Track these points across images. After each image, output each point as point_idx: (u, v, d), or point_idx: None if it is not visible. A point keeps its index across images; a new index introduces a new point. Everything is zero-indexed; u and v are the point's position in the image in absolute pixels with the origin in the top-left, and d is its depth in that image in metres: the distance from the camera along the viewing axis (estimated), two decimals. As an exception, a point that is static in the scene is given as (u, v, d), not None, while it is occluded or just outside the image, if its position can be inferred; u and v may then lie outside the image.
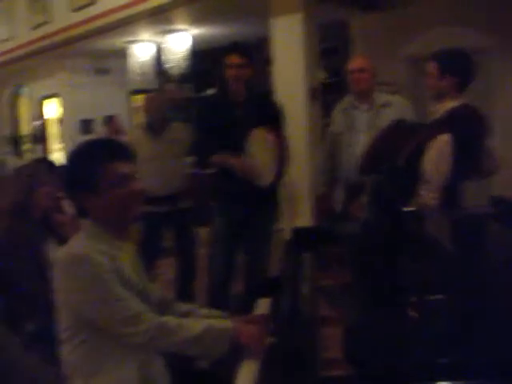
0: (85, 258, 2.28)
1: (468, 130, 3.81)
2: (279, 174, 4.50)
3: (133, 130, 7.46)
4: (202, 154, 4.76)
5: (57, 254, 2.39)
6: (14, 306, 3.68)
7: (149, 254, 4.76)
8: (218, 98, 5.07)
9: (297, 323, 1.95)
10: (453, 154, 3.66)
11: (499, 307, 1.91)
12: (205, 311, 2.72)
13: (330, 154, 5.10)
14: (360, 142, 4.73)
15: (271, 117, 4.64)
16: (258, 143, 4.45)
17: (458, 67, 3.93)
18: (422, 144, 3.77)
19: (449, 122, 3.79)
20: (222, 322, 2.39)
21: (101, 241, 2.38)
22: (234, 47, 4.78)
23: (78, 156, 2.46)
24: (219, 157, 4.57)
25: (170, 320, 2.35)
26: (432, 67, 3.97)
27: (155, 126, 5.58)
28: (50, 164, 4.52)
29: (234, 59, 4.61)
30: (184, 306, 2.75)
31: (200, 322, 2.36)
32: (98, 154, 2.41)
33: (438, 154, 3.69)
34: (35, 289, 3.68)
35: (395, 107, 4.71)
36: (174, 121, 5.90)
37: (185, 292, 5.50)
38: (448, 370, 1.53)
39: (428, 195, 3.68)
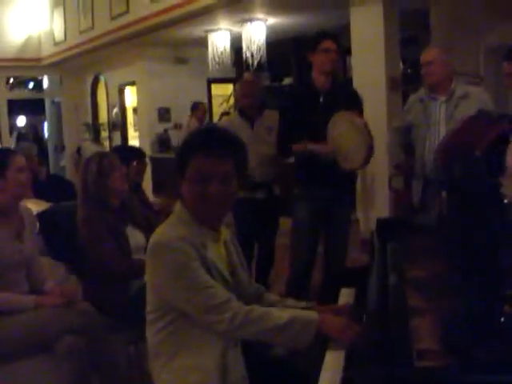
0: (172, 246, 2.32)
1: None
2: (368, 157, 4.44)
3: (228, 117, 7.41)
4: (283, 143, 4.76)
5: (150, 238, 2.44)
6: (100, 290, 3.79)
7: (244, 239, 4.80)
8: (304, 87, 5.04)
9: (386, 314, 1.95)
10: None
11: None
12: (292, 302, 2.74)
13: (402, 145, 5.05)
14: (437, 135, 4.68)
15: (354, 105, 4.63)
16: (344, 124, 4.42)
17: None
18: (505, 134, 3.72)
19: None
20: (308, 313, 2.38)
21: (189, 227, 2.41)
22: (325, 33, 4.80)
23: (184, 140, 2.53)
24: (299, 145, 4.57)
25: (256, 308, 2.35)
26: (507, 67, 4.00)
27: (250, 113, 5.53)
28: (131, 150, 4.63)
29: (328, 44, 4.63)
30: (272, 296, 2.78)
31: (286, 312, 2.35)
32: (193, 142, 2.46)
33: None
34: (120, 272, 3.78)
35: (474, 99, 4.64)
36: (268, 108, 5.85)
37: (262, 280, 5.52)
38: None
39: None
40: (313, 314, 2.36)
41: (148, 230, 3.85)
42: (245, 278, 2.68)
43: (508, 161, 3.62)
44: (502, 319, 1.75)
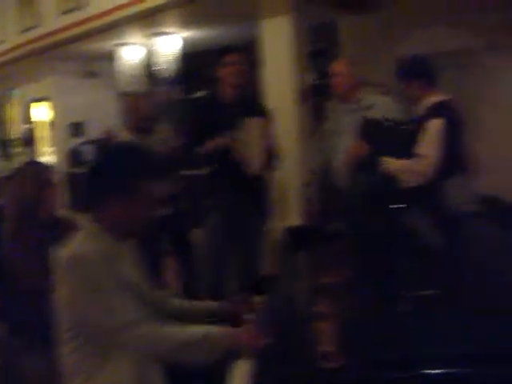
0: (85, 261, 2.31)
1: (454, 119, 4.27)
2: (274, 160, 4.57)
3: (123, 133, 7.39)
4: (190, 152, 4.78)
5: (58, 254, 2.42)
6: (20, 309, 3.71)
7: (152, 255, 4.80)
8: (210, 99, 5.11)
9: (292, 320, 2.01)
10: (445, 137, 4.12)
11: (485, 300, 1.98)
12: (198, 303, 2.78)
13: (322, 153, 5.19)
14: (343, 145, 4.81)
15: (258, 115, 4.73)
16: (252, 131, 4.53)
17: (421, 70, 4.46)
18: (415, 132, 4.22)
19: (438, 111, 4.25)
20: (217, 330, 2.40)
21: (102, 241, 2.42)
22: (231, 47, 4.88)
23: (118, 160, 2.51)
24: (211, 141, 4.62)
25: (165, 327, 2.35)
26: (400, 79, 4.31)
27: (138, 128, 5.47)
28: (42, 166, 4.56)
29: (232, 58, 4.70)
30: (183, 302, 2.81)
31: (197, 328, 2.37)
32: (141, 166, 2.48)
33: (432, 134, 4.14)
34: (43, 291, 3.72)
35: (379, 108, 4.78)
36: (161, 123, 5.86)
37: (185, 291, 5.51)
38: (440, 360, 1.59)
39: (424, 168, 4.11)
40: (223, 331, 2.38)
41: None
42: (154, 288, 2.70)
43: (421, 147, 3.95)
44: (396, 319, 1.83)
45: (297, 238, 3.07)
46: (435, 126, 4.17)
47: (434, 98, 4.37)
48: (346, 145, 4.75)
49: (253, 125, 4.57)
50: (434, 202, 4.07)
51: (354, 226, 3.76)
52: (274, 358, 1.95)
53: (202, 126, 4.69)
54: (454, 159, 4.17)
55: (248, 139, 4.54)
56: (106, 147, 2.54)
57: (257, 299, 2.91)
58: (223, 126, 4.62)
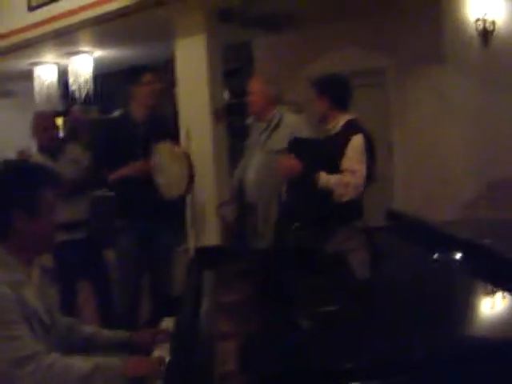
0: None
1: (367, 135, 4.43)
2: (190, 184, 4.56)
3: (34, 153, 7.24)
4: (101, 172, 4.73)
5: None
6: None
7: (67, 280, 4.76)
8: (121, 119, 5.08)
9: (195, 340, 2.00)
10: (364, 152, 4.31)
11: (391, 313, 2.01)
12: (108, 332, 2.75)
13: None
14: (253, 162, 4.86)
15: (170, 134, 4.74)
16: (165, 156, 4.52)
17: (333, 89, 4.54)
18: (337, 150, 4.33)
19: (353, 128, 4.41)
20: (111, 360, 2.36)
21: (7, 267, 2.37)
22: (145, 67, 4.87)
23: (16, 176, 2.46)
24: (116, 173, 4.59)
25: (59, 360, 2.27)
26: (312, 95, 4.41)
27: (47, 148, 5.38)
28: None
29: (150, 77, 4.69)
30: (89, 328, 2.77)
31: (89, 361, 2.31)
32: (38, 178, 2.44)
33: (356, 149, 4.29)
34: None
35: (288, 127, 4.82)
36: (70, 143, 5.77)
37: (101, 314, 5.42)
38: (343, 375, 1.62)
39: (356, 181, 4.27)
40: (116, 360, 2.34)
41: None
42: (58, 313, 2.66)
43: (347, 163, 4.06)
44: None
45: (205, 257, 3.07)
46: (357, 141, 4.29)
47: (345, 116, 4.48)
48: (258, 162, 4.79)
49: (165, 148, 4.56)
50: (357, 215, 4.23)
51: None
52: (177, 380, 1.94)
53: (114, 147, 4.65)
54: (369, 173, 4.31)
55: (161, 163, 4.52)
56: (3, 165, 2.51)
57: (168, 321, 2.89)
58: (135, 146, 4.59)
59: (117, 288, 4.88)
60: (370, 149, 4.38)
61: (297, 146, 4.46)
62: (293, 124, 4.82)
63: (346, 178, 4.24)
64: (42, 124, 5.41)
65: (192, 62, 7.10)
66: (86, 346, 2.70)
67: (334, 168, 4.28)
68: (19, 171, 2.51)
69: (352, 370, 1.64)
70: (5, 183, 2.46)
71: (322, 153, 4.41)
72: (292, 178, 4.42)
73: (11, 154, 11.59)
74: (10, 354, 2.20)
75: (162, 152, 4.53)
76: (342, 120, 4.47)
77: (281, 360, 1.71)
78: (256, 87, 4.93)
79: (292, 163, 4.37)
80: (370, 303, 2.20)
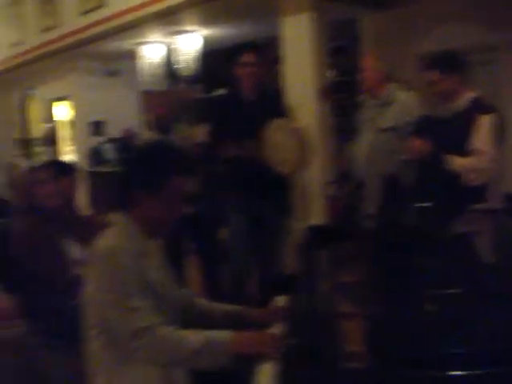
0: (111, 257, 2.32)
1: (497, 114, 4.14)
2: (303, 160, 4.48)
3: (144, 131, 7.38)
4: (214, 150, 4.73)
5: (92, 247, 2.42)
6: (34, 304, 3.72)
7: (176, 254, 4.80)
8: (230, 98, 5.06)
9: (315, 320, 1.98)
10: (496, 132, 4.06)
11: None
12: (224, 307, 2.75)
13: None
14: (363, 140, 4.79)
15: (281, 112, 4.67)
16: (278, 132, 4.45)
17: (456, 65, 4.27)
18: (463, 129, 4.08)
19: (481, 107, 4.13)
20: (221, 334, 2.34)
21: (131, 238, 2.42)
22: (245, 46, 4.80)
23: (148, 156, 2.51)
24: (233, 149, 4.57)
25: (172, 333, 2.31)
26: (432, 74, 4.16)
27: (159, 126, 5.54)
28: (62, 165, 4.57)
29: (247, 58, 4.63)
30: (205, 303, 2.79)
31: (200, 335, 2.31)
32: (170, 163, 2.47)
33: (487, 129, 4.04)
34: (56, 286, 3.73)
35: (399, 104, 4.73)
36: (181, 121, 5.87)
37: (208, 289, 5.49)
38: (464, 359, 1.57)
39: (487, 165, 4.02)
40: (227, 335, 2.32)
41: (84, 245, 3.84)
42: (177, 287, 2.69)
43: (476, 145, 3.87)
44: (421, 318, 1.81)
45: (318, 236, 3.04)
46: (487, 120, 4.05)
47: (469, 94, 4.22)
48: (369, 139, 4.73)
49: (278, 125, 4.49)
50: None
51: (382, 222, 3.74)
52: (298, 359, 1.92)
53: (225, 125, 4.65)
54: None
55: (274, 140, 4.46)
56: (136, 145, 2.55)
57: (280, 300, 2.88)
58: (246, 124, 4.56)
59: (227, 266, 4.90)
60: (500, 129, 4.11)
61: (421, 124, 4.31)
62: (405, 102, 4.72)
63: (477, 162, 4.01)
64: (153, 102, 5.55)
65: (297, 39, 7.04)
66: (200, 320, 2.72)
67: (460, 148, 4.10)
68: (149, 152, 2.55)
69: (477, 354, 1.59)
70: (136, 164, 2.51)
71: (448, 132, 4.17)
72: (420, 158, 4.24)
73: (117, 132, 11.97)
74: (128, 325, 2.26)
75: (275, 129, 4.47)
76: (466, 97, 4.21)
77: (405, 343, 1.68)
78: (369, 64, 4.85)
79: (421, 144, 4.20)
80: (492, 286, 2.13)
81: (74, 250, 3.94)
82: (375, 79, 4.80)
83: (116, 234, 2.43)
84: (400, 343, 1.67)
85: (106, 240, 2.42)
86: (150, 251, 2.51)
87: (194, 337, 2.30)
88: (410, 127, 4.37)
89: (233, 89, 4.96)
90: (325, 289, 2.28)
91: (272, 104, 4.72)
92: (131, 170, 2.51)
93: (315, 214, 6.73)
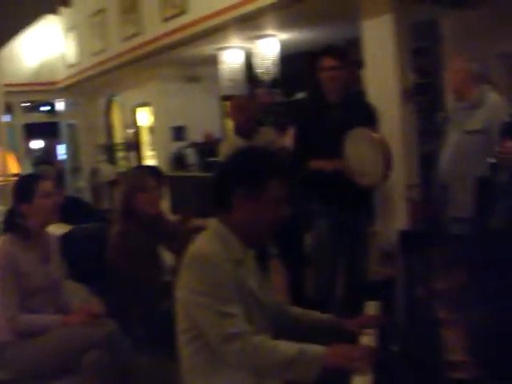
0: (211, 260, 2.34)
1: None
2: (387, 172, 4.38)
3: (229, 135, 7.44)
4: (298, 159, 4.70)
5: (187, 251, 2.44)
6: (126, 308, 3.79)
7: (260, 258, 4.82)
8: (314, 102, 5.02)
9: (417, 327, 1.95)
10: None
11: None
12: (316, 316, 2.74)
13: None
14: (448, 142, 4.70)
15: (368, 118, 4.60)
16: (361, 142, 4.37)
17: None
18: None
19: None
20: (315, 348, 2.30)
21: (228, 243, 2.43)
22: (327, 50, 4.75)
23: (248, 160, 2.51)
24: (316, 163, 4.53)
25: (265, 342, 2.30)
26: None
27: (243, 130, 5.60)
28: (154, 171, 4.63)
29: (328, 61, 4.59)
30: (296, 309, 2.78)
31: (294, 346, 2.29)
32: (270, 166, 2.47)
33: None
34: (151, 290, 3.79)
35: (489, 106, 4.62)
36: (263, 125, 5.91)
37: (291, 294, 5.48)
38: None
39: None
40: (320, 349, 2.29)
41: (179, 252, 3.90)
42: (271, 294, 2.69)
43: None
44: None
45: (410, 241, 3.00)
46: None
47: None
48: (455, 141, 4.64)
49: (361, 134, 4.39)
50: None
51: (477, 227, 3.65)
52: (398, 367, 1.89)
53: (308, 130, 4.62)
54: None
55: (356, 150, 4.38)
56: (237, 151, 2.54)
57: (371, 306, 2.86)
58: (330, 130, 4.51)
59: (313, 271, 4.88)
60: None
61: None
62: (495, 104, 4.61)
63: None
64: (238, 107, 5.59)
65: (379, 42, 6.97)
66: (292, 327, 2.71)
67: None
68: (248, 157, 2.54)
69: None
70: (234, 168, 2.51)
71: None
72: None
73: (198, 137, 12.12)
74: (220, 329, 2.28)
75: (358, 137, 4.39)
76: None
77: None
78: (458, 65, 4.75)
79: None
80: None
81: (166, 257, 4.00)
82: (463, 81, 4.70)
83: (213, 240, 2.44)
84: (502, 351, 1.63)
85: (204, 245, 2.43)
86: (247, 259, 2.51)
87: (287, 347, 2.30)
88: (502, 129, 4.25)
89: (315, 93, 4.93)
90: (422, 295, 2.24)
91: (357, 109, 4.65)
92: (230, 174, 2.50)
93: (398, 217, 6.65)
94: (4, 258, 3.46)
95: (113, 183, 14.60)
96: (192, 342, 2.40)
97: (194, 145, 12.23)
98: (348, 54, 4.99)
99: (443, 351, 1.79)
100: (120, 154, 15.22)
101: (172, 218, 4.79)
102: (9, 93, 13.56)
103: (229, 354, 2.29)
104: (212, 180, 2.53)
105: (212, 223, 2.51)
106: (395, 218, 6.82)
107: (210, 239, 2.45)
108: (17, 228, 3.54)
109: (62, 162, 19.42)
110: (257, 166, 2.46)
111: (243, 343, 2.26)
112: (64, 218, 5.62)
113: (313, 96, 5.12)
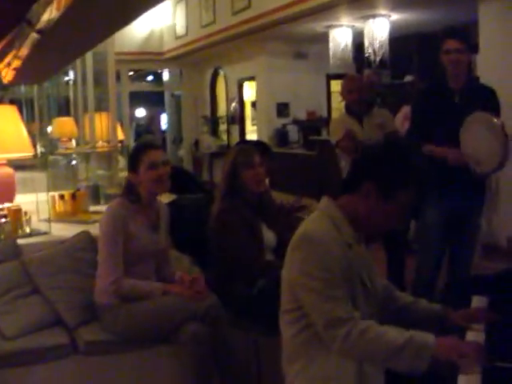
0: (320, 241, 2.29)
1: None
2: (504, 160, 4.20)
3: (339, 115, 7.35)
4: (416, 141, 4.56)
5: (297, 231, 2.39)
6: (224, 284, 3.81)
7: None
8: (436, 86, 4.83)
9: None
10: None
11: None
12: (425, 304, 2.67)
13: None
14: None
15: (490, 103, 4.42)
16: (481, 126, 4.20)
17: None
18: None
19: None
20: (424, 336, 2.22)
21: (340, 226, 2.38)
22: (451, 32, 4.59)
23: (396, 161, 2.40)
24: (433, 148, 4.40)
25: (372, 328, 2.24)
26: None
27: (355, 109, 5.52)
28: (261, 146, 4.60)
29: (453, 44, 4.43)
30: (406, 297, 2.72)
31: (402, 334, 2.22)
32: (410, 175, 2.37)
33: None
34: (250, 269, 3.80)
35: None
36: (374, 106, 5.81)
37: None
38: None
39: None
40: (430, 338, 2.21)
41: (280, 232, 3.89)
42: (379, 278, 2.64)
43: None
44: None
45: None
46: None
47: None
48: None
49: (481, 118, 4.21)
50: None
51: None
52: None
53: (429, 115, 4.48)
54: None
55: (474, 135, 4.21)
56: (393, 138, 2.46)
57: (479, 300, 2.77)
58: (451, 115, 4.35)
59: (416, 260, 4.77)
60: None
61: None
62: None
63: None
64: (348, 86, 5.53)
65: (497, 25, 6.75)
66: (399, 315, 2.64)
67: None
68: (401, 153, 2.44)
69: None
70: (383, 158, 2.42)
71: None
72: None
73: (302, 114, 12.09)
74: (327, 313, 2.24)
75: (477, 122, 4.22)
76: None
77: None
78: None
79: None
80: None
81: (271, 237, 3.98)
82: None
83: (325, 221, 2.38)
84: None
85: (315, 226, 2.38)
86: (356, 244, 2.45)
87: (396, 334, 2.23)
88: None
89: (425, 76, 4.80)
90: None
91: (479, 94, 4.48)
92: (371, 162, 2.44)
93: (503, 211, 6.47)
94: (113, 218, 3.54)
95: (214, 155, 14.77)
96: (296, 323, 2.37)
97: (297, 122, 12.20)
98: (469, 38, 4.79)
99: None
100: (222, 127, 15.35)
101: (277, 196, 4.74)
102: (118, 61, 13.75)
103: (334, 338, 2.23)
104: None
105: (323, 204, 2.47)
106: (501, 212, 6.64)
107: (321, 220, 2.40)
108: (128, 193, 3.62)
109: (164, 131, 19.78)
110: (396, 171, 2.35)
111: (349, 328, 2.21)
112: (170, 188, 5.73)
113: (435, 81, 4.90)
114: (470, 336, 2.41)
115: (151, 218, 3.67)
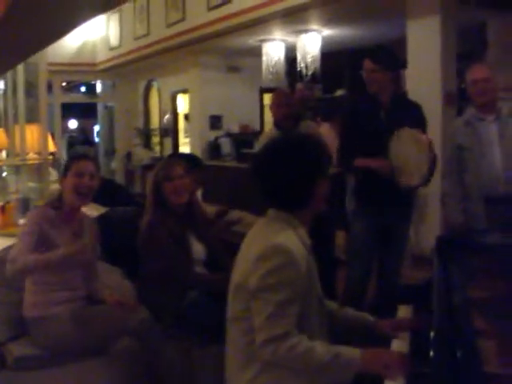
0: (286, 254, 2.34)
1: None
2: (430, 174, 4.30)
3: (266, 131, 7.42)
4: (344, 156, 4.65)
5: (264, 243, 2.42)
6: (156, 296, 3.80)
7: None
8: (364, 101, 4.91)
9: (454, 335, 1.93)
10: None
11: None
12: (353, 313, 2.73)
13: (455, 170, 4.83)
14: (494, 154, 4.55)
15: (416, 119, 4.53)
16: (408, 142, 4.30)
17: None
18: None
19: None
20: (350, 351, 2.31)
21: (300, 233, 2.47)
22: (369, 52, 4.71)
23: (301, 151, 2.51)
24: (362, 160, 4.49)
25: (300, 344, 2.29)
26: None
27: (283, 124, 5.55)
28: (188, 159, 4.63)
29: (367, 64, 4.56)
30: (333, 304, 2.78)
31: (330, 349, 2.30)
32: (320, 166, 2.53)
33: None
34: (179, 281, 3.80)
35: None
36: (303, 119, 5.89)
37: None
38: None
39: None
40: (355, 353, 2.29)
41: (209, 244, 3.92)
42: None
43: None
44: None
45: (448, 248, 2.97)
46: None
47: None
48: (493, 156, 4.50)
49: (407, 134, 4.31)
50: None
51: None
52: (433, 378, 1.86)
53: (356, 128, 4.57)
54: None
55: (401, 149, 4.32)
56: (290, 134, 2.55)
57: (404, 310, 2.84)
58: (377, 129, 4.43)
59: (347, 269, 4.84)
60: None
61: None
62: None
63: None
64: (277, 101, 5.58)
65: (424, 42, 6.92)
66: (328, 321, 2.69)
67: None
68: (304, 146, 2.54)
69: None
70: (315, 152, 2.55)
71: None
72: None
73: (235, 127, 12.13)
74: (267, 331, 2.28)
75: (405, 137, 4.32)
76: None
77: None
78: (488, 74, 4.50)
79: None
80: None
81: (199, 249, 4.00)
82: (495, 91, 4.53)
83: (289, 231, 2.44)
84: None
85: (283, 237, 2.41)
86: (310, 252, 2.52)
87: (325, 349, 2.29)
88: None
89: (355, 90, 4.90)
90: (459, 303, 2.22)
91: (406, 110, 4.59)
92: (316, 164, 2.52)
93: (429, 223, 6.60)
94: (31, 217, 3.58)
95: (146, 168, 14.68)
96: (252, 331, 2.37)
97: (230, 135, 12.25)
98: (395, 56, 4.90)
99: (479, 363, 1.76)
100: (155, 139, 15.28)
101: (209, 209, 4.77)
102: (50, 72, 13.58)
103: (265, 355, 2.29)
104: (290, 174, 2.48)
105: (274, 214, 2.52)
106: (428, 223, 6.78)
107: (285, 231, 2.45)
108: (54, 200, 3.62)
109: (96, 143, 19.59)
110: (309, 159, 2.49)
111: (280, 345, 2.26)
112: (99, 200, 5.69)
113: (362, 95, 4.99)
114: (395, 344, 2.48)
115: (74, 228, 3.64)
